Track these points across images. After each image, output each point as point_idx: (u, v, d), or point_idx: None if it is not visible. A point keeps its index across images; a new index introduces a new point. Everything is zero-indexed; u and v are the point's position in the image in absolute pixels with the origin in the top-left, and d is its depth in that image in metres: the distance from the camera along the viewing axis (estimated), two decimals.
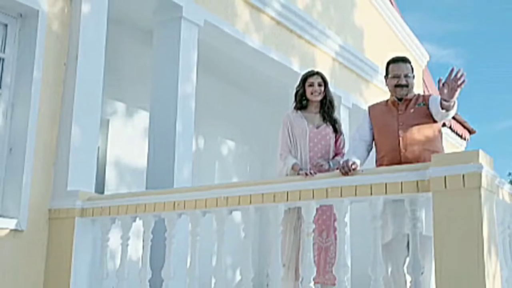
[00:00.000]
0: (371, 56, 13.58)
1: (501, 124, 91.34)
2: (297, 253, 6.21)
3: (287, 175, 6.30)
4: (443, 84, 5.39)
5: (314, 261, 5.52)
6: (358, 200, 5.28)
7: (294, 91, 6.80)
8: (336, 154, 6.57)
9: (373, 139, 6.17)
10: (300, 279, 5.67)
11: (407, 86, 6.01)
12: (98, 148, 8.18)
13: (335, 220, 5.60)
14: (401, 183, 4.99)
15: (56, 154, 7.08)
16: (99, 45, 7.52)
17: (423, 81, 16.20)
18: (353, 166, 5.34)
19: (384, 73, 6.26)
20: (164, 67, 8.62)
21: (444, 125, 14.52)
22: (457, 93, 5.42)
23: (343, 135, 6.73)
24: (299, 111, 6.67)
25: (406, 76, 6.02)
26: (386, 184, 5.05)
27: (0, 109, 6.94)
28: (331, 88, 6.82)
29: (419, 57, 15.91)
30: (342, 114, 11.89)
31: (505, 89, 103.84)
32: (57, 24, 7.27)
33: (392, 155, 5.86)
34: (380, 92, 12.97)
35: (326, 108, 6.67)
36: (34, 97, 6.93)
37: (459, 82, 5.32)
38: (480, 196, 4.53)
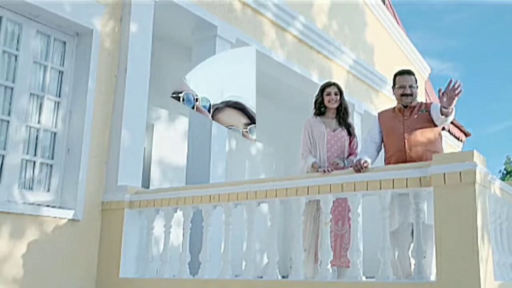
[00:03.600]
0: (380, 69, 13.53)
1: (493, 128, 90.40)
2: (316, 239, 6.22)
3: (307, 172, 6.32)
4: (442, 93, 5.42)
5: (331, 247, 5.58)
6: (369, 193, 5.32)
7: (314, 100, 6.81)
8: (350, 154, 6.57)
9: (382, 141, 6.18)
10: (319, 262, 5.68)
11: (411, 95, 6.03)
12: (144, 148, 8.24)
13: (349, 211, 5.61)
14: (406, 179, 5.03)
15: (108, 154, 7.16)
16: (145, 60, 7.60)
17: (425, 91, 16.11)
18: (365, 165, 5.39)
19: (391, 84, 6.28)
20: None
21: (443, 128, 14.44)
22: (454, 101, 5.45)
23: (356, 138, 6.73)
24: (318, 117, 6.68)
25: (410, 86, 6.04)
26: (393, 180, 5.09)
27: (60, 115, 7.04)
28: (345, 97, 6.83)
29: (422, 70, 15.82)
30: (355, 119, 11.86)
31: (496, 97, 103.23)
32: (109, 42, 7.37)
33: (399, 155, 5.88)
34: (388, 101, 12.93)
35: (342, 114, 6.68)
36: (89, 105, 7.02)
37: (456, 92, 5.36)
38: (474, 190, 4.56)
